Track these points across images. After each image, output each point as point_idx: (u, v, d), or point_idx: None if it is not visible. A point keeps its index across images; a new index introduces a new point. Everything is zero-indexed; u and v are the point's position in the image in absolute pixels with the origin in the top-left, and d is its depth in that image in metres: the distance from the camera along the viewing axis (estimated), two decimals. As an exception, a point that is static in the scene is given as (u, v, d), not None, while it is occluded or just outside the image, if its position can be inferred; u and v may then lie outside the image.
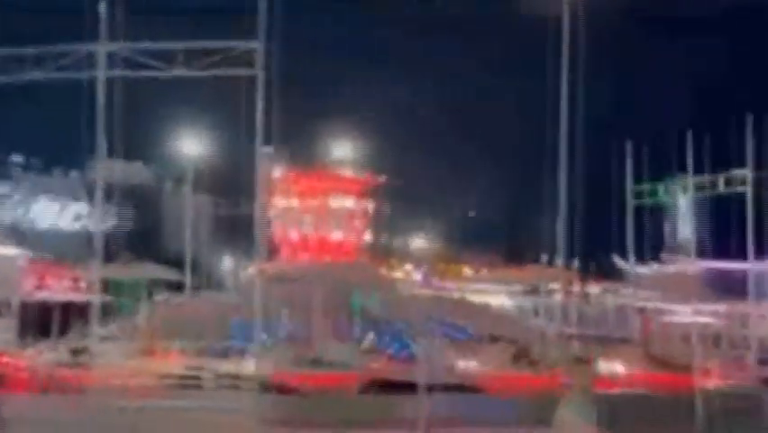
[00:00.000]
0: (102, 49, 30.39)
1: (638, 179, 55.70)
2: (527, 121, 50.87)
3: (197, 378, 31.24)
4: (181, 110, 58.15)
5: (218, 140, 56.42)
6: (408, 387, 29.45)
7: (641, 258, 60.26)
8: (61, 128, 63.66)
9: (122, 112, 31.29)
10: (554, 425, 16.77)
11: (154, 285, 58.88)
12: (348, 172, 55.16)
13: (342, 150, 56.87)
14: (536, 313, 70.19)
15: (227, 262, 67.40)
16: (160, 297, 53.36)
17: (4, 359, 33.75)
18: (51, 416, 26.44)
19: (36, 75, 32.01)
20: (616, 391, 34.21)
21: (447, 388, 30.93)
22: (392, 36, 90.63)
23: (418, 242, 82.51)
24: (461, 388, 32.49)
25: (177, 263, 59.35)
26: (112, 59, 31.13)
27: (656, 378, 36.06)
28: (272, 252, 42.54)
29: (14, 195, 68.14)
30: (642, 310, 55.38)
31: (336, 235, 53.05)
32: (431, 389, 28.44)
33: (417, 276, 67.26)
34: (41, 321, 47.69)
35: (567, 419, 16.52)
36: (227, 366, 32.59)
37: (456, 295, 51.35)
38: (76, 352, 34.71)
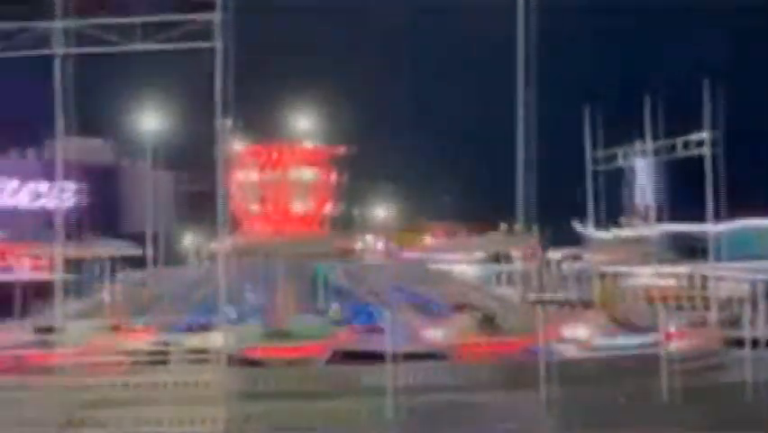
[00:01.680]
0: (58, 25, 30.04)
1: (597, 145, 56.23)
2: (491, 87, 51.11)
3: (164, 353, 31.25)
4: (140, 86, 57.73)
5: (178, 115, 56.09)
6: (375, 357, 29.72)
7: (600, 223, 60.90)
8: (17, 107, 63.22)
9: (79, 89, 31.02)
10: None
11: (116, 262, 58.66)
12: (309, 144, 55.05)
13: (304, 122, 56.76)
14: (499, 280, 70.82)
15: (190, 238, 67.13)
16: (123, 274, 53.15)
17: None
18: (17, 396, 26.43)
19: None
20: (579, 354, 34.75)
21: (413, 356, 31.25)
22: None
23: (380, 212, 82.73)
24: (428, 356, 32.81)
25: (138, 240, 59.10)
26: (68, 36, 30.79)
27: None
28: (234, 225, 42.40)
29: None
30: (603, 275, 55.98)
31: (298, 207, 52.98)
32: (397, 358, 28.71)
33: (379, 246, 67.42)
34: (3, 301, 47.52)
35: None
36: (193, 341, 32.64)
37: (419, 264, 51.54)
38: (41, 330, 34.62)
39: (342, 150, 55.10)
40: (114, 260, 58.10)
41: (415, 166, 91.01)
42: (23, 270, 54.84)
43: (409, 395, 28.08)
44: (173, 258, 60.65)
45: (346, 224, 63.18)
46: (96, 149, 71.67)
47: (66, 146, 32.21)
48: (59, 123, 30.41)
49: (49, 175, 66.67)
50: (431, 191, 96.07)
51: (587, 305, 48.42)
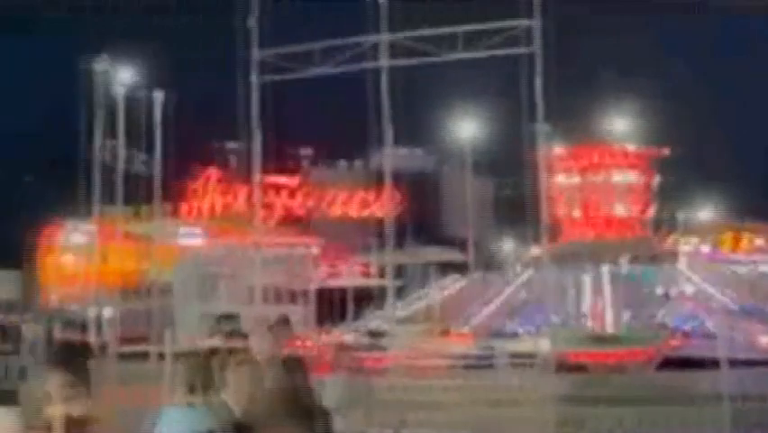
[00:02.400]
0: (384, 39, 31.11)
1: None
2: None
3: (490, 357, 31.55)
4: (456, 94, 58.78)
5: (495, 121, 56.66)
6: (707, 363, 28.55)
7: None
8: (343, 119, 66.23)
9: (403, 100, 31.99)
10: None
11: (440, 268, 60.07)
12: (629, 146, 53.92)
13: (621, 124, 55.66)
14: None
15: (509, 242, 67.56)
16: (448, 279, 54.26)
17: (308, 343, 35.46)
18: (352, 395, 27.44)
19: (322, 70, 33.15)
20: None
21: (749, 363, 29.79)
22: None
23: (704, 214, 79.58)
24: (764, 363, 31.19)
25: (458, 245, 60.18)
26: (392, 48, 31.81)
27: None
28: (555, 230, 42.16)
29: (304, 187, 71.19)
30: None
31: (620, 211, 52.00)
32: (733, 364, 27.43)
33: (704, 249, 64.92)
34: (336, 305, 49.91)
35: None
36: (518, 345, 32.74)
37: (745, 268, 49.13)
38: (373, 334, 36.03)
39: (663, 151, 53.56)
40: (436, 265, 59.59)
41: (736, 165, 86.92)
42: (353, 276, 57.25)
43: (746, 403, 26.74)
44: (493, 263, 61.24)
45: (670, 227, 61.32)
46: (416, 157, 73.61)
47: (391, 156, 33.19)
48: (387, 133, 31.45)
49: (375, 184, 69.48)
50: (755, 191, 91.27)
51: None
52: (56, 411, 6.67)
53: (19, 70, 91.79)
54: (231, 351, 6.55)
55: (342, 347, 33.05)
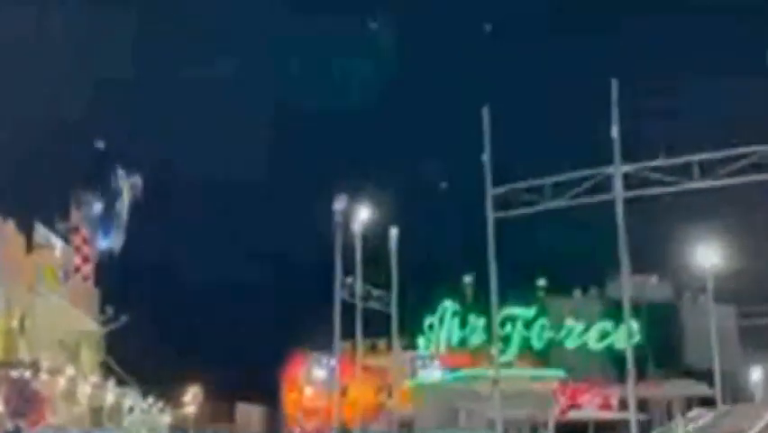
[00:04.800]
0: (618, 171, 31.16)
1: None
2: None
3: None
4: (693, 220, 57.56)
5: (735, 248, 55.00)
6: None
7: None
8: (575, 250, 65.91)
9: (638, 229, 31.68)
10: None
11: (685, 401, 58.01)
12: None
13: None
14: None
15: (756, 374, 64.48)
16: (694, 413, 52.18)
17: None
18: None
19: (556, 203, 33.42)
20: None
21: None
22: None
23: None
24: None
25: (702, 377, 57.93)
26: (627, 178, 31.76)
27: None
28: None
29: (541, 318, 70.79)
30: None
31: None
32: None
33: None
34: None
35: None
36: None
37: None
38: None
39: None
40: (680, 399, 57.63)
41: None
42: (594, 408, 56.06)
43: None
44: (740, 395, 58.56)
45: None
46: (653, 285, 71.94)
47: (628, 285, 32.71)
48: (624, 262, 31.13)
49: (611, 314, 68.26)
50: None
51: None
52: None
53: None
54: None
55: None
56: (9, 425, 32.88)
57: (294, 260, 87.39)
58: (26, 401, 33.92)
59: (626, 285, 32.09)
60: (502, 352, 45.66)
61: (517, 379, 41.41)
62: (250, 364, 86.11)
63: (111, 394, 54.77)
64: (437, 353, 68.91)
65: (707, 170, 30.86)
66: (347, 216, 38.22)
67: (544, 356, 66.72)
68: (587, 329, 70.15)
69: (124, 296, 62.37)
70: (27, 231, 45.00)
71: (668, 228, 62.75)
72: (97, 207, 60.87)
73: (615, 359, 63.21)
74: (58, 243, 51.26)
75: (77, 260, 57.99)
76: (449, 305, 70.88)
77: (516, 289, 60.55)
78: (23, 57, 79.53)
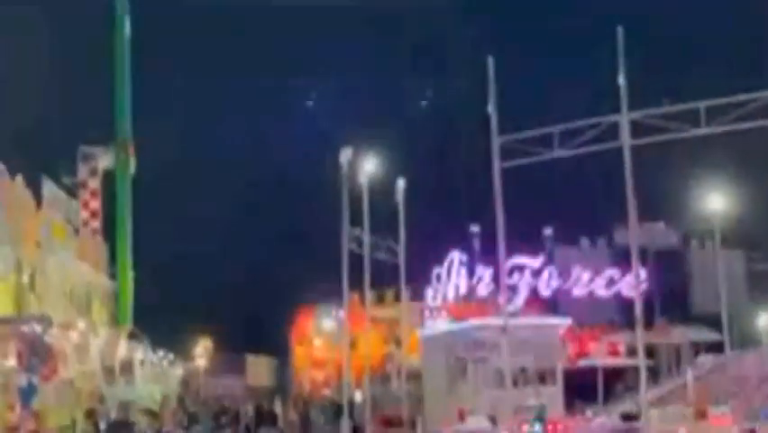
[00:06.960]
0: (625, 119, 31.01)
1: None
2: None
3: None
4: (700, 167, 57.48)
5: (743, 194, 54.95)
6: None
7: None
8: (582, 198, 65.88)
9: (639, 175, 31.54)
10: None
11: (690, 347, 58.21)
12: None
13: None
14: None
15: (764, 319, 64.60)
16: (702, 358, 52.41)
17: (559, 426, 35.17)
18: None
19: (562, 152, 33.34)
20: None
21: None
22: None
23: None
24: None
25: (709, 323, 58.10)
26: (633, 126, 31.61)
27: None
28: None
29: (548, 267, 71.08)
30: None
31: None
32: None
33: None
34: (584, 386, 49.13)
35: None
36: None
37: None
38: (627, 417, 35.28)
39: None
40: (690, 344, 57.83)
41: None
42: (602, 356, 56.29)
43: None
44: (748, 340, 58.74)
45: None
46: (660, 232, 71.94)
47: (635, 232, 32.68)
48: (631, 211, 31.05)
49: (619, 262, 68.41)
50: None
51: None
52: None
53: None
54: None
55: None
56: (23, 379, 33.18)
57: (301, 211, 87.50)
58: (38, 356, 34.17)
59: (634, 233, 32.08)
60: (510, 301, 45.74)
61: (525, 328, 41.46)
62: (259, 317, 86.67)
63: (122, 348, 55.10)
64: (445, 303, 69.23)
65: (713, 115, 30.71)
66: (354, 167, 38.14)
67: (551, 305, 67.05)
68: (594, 277, 70.45)
69: (134, 250, 62.50)
70: (35, 187, 45.02)
71: (675, 175, 62.70)
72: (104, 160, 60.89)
73: (620, 306, 63.62)
74: (65, 198, 51.31)
75: (85, 214, 58.12)
76: (456, 255, 71.08)
77: (524, 238, 60.67)
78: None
